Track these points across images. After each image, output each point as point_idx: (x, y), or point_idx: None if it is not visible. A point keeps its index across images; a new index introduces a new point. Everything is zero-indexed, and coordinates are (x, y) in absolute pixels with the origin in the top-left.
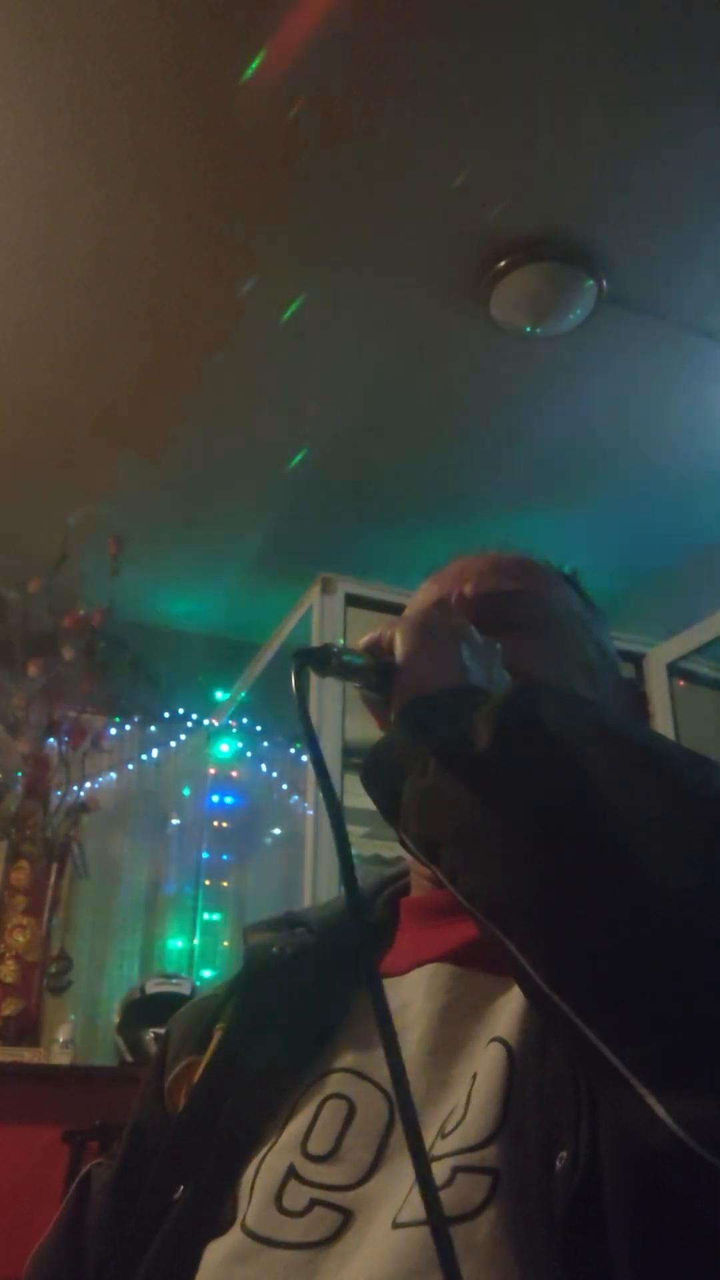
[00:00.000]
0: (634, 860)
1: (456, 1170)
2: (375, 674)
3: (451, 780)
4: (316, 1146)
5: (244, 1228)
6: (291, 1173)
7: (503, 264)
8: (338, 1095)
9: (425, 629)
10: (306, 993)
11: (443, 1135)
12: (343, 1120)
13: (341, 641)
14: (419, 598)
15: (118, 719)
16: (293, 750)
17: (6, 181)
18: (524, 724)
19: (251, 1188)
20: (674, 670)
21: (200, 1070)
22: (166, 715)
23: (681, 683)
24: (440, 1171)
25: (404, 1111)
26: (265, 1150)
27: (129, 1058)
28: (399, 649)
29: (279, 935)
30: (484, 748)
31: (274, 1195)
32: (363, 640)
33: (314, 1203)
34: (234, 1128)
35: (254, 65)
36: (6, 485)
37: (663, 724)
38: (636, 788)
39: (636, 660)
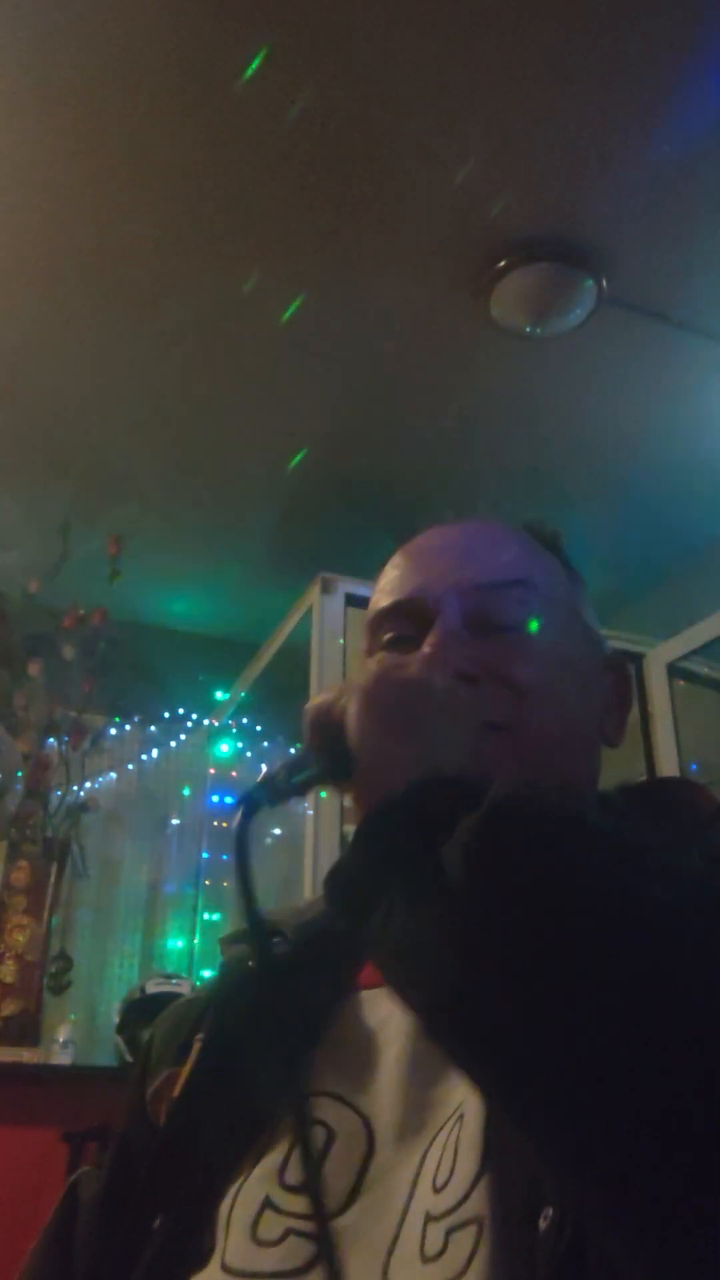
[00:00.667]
0: (658, 1020)
1: (450, 1232)
2: (329, 766)
3: (420, 929)
4: (293, 1177)
5: (224, 1265)
6: (267, 1203)
7: (503, 264)
8: (316, 1122)
9: (381, 706)
10: (285, 1008)
11: (435, 1189)
12: (321, 1148)
13: (295, 749)
14: (388, 578)
15: (118, 719)
16: (293, 750)
17: (6, 181)
18: (505, 855)
19: (228, 1220)
20: (674, 670)
21: (179, 1087)
22: (166, 715)
23: (681, 683)
24: (435, 1237)
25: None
26: (242, 1179)
27: (129, 1058)
28: (351, 731)
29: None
30: (457, 888)
31: (250, 1227)
32: (309, 710)
33: (289, 1231)
34: (212, 1155)
35: (254, 65)
36: (6, 485)
37: (663, 724)
38: (646, 929)
39: (636, 660)
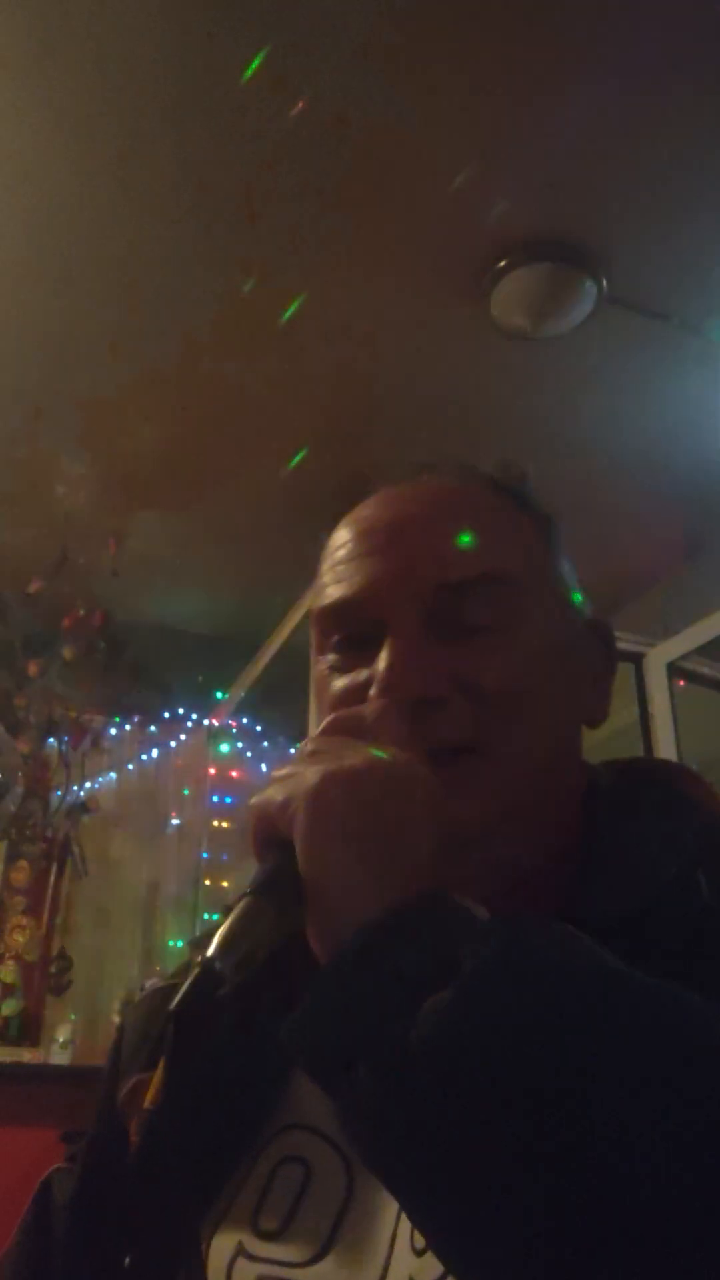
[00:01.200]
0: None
1: None
2: (286, 903)
3: (384, 1105)
4: (267, 1221)
5: None
6: (240, 1250)
7: (503, 264)
8: (292, 1158)
9: (331, 818)
10: (256, 1029)
11: (416, 1252)
12: (297, 1189)
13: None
14: (335, 561)
15: (118, 719)
16: (293, 750)
17: (7, 181)
18: (476, 1049)
19: (202, 1269)
20: (674, 670)
21: (148, 1101)
22: (166, 715)
23: (681, 683)
24: None
25: None
26: (215, 1224)
27: None
28: (299, 850)
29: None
30: (424, 1070)
31: (224, 1277)
32: (251, 819)
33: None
34: (182, 1191)
35: (254, 66)
36: (6, 485)
37: (663, 724)
38: (640, 1104)
39: (636, 660)
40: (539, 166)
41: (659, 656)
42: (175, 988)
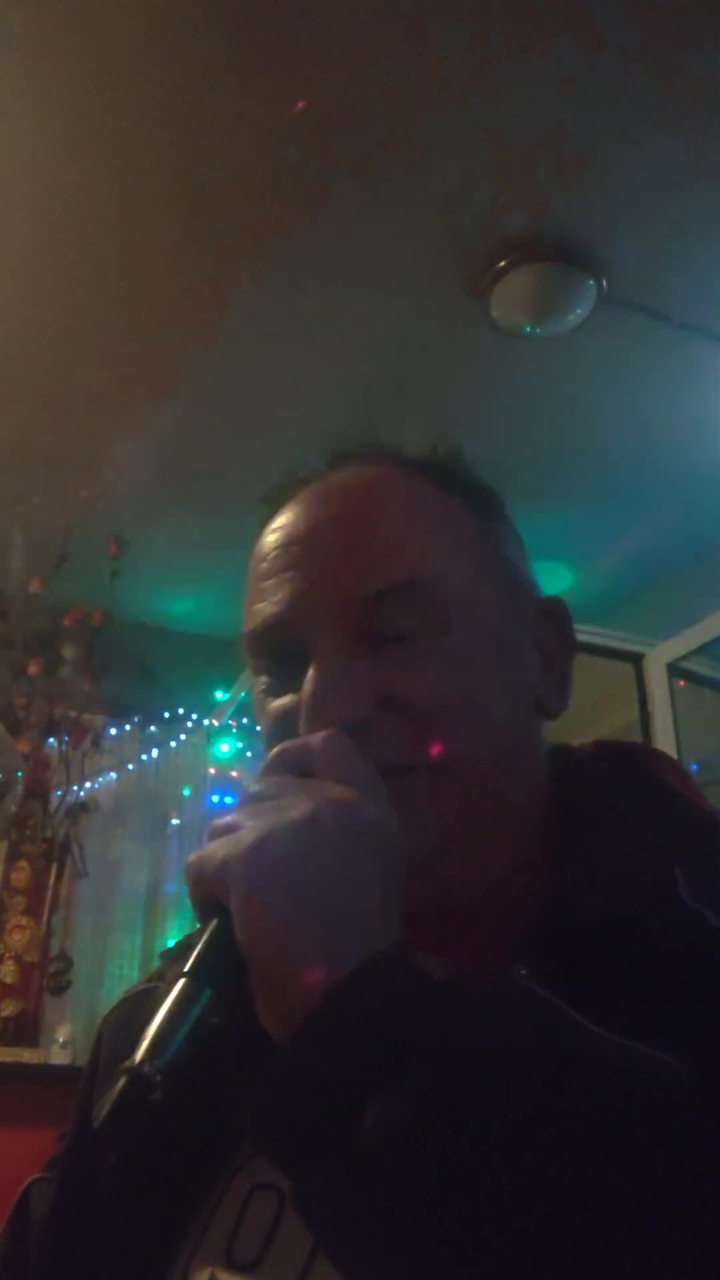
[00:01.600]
0: None
1: None
2: (216, 970)
3: (340, 1201)
4: (242, 1253)
5: None
6: None
7: (503, 264)
8: (266, 1185)
9: (268, 884)
10: (228, 1052)
11: None
12: (272, 1218)
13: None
14: (255, 576)
15: (118, 719)
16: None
17: (7, 181)
18: (431, 1144)
19: None
20: (674, 670)
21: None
22: (166, 715)
23: (681, 683)
24: None
25: None
26: (187, 1255)
27: None
28: (236, 921)
29: None
30: (378, 1167)
31: None
32: (187, 881)
33: None
34: (156, 1219)
35: (253, 66)
36: (6, 484)
37: (663, 724)
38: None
39: (636, 660)
40: (539, 166)
41: (659, 656)
42: (150, 992)
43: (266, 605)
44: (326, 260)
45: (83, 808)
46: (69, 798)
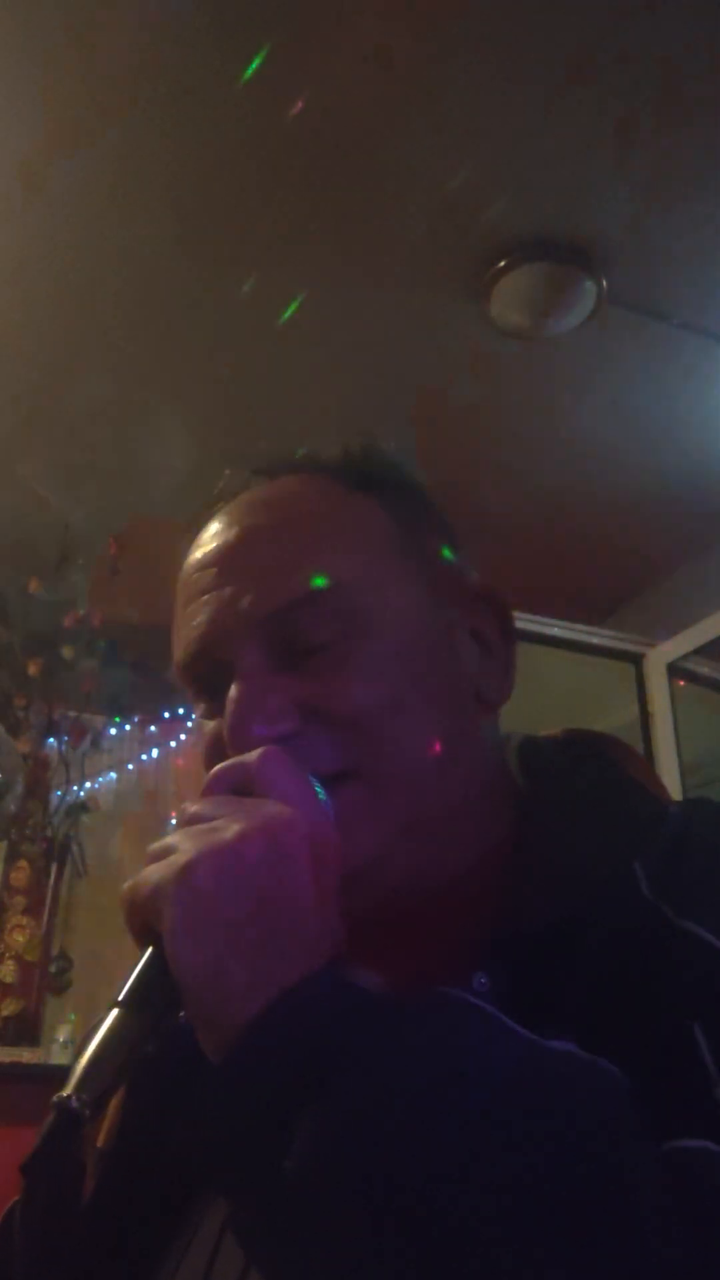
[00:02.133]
0: None
1: None
2: (150, 1000)
3: (264, 1228)
4: None
5: None
6: None
7: (503, 264)
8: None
9: (199, 911)
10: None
11: None
12: (243, 1261)
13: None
14: (178, 606)
15: (118, 719)
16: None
17: (8, 182)
18: (350, 1175)
19: None
20: (674, 670)
21: (100, 1142)
22: (166, 715)
23: (681, 683)
24: None
25: None
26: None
27: None
28: (167, 949)
29: None
30: (297, 1190)
31: None
32: (123, 907)
33: None
34: (134, 1244)
35: (253, 66)
36: (6, 485)
37: (663, 724)
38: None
39: (636, 660)
40: (539, 166)
41: (659, 656)
42: None
43: (187, 632)
44: (326, 261)
45: (83, 808)
46: (69, 798)
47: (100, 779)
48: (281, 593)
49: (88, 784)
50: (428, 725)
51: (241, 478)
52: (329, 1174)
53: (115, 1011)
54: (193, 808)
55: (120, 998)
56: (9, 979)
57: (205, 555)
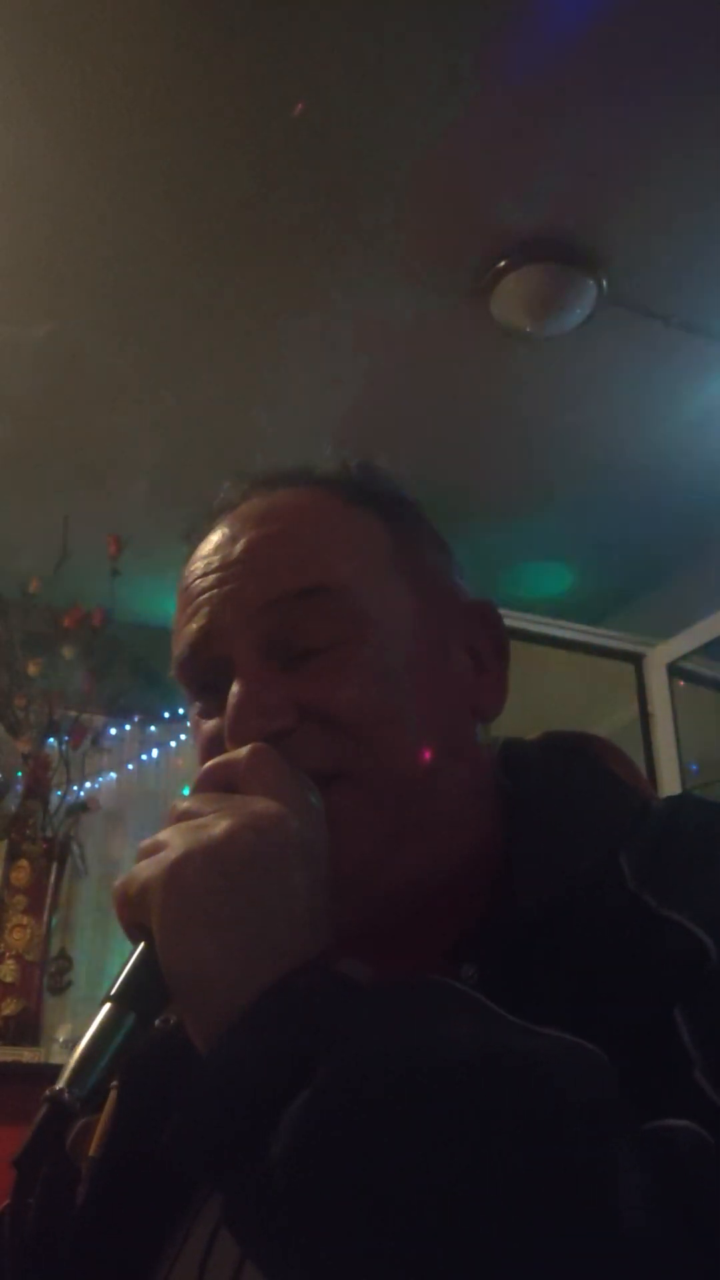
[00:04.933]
0: None
1: None
2: (142, 995)
3: (247, 1225)
4: None
5: None
6: None
7: (503, 264)
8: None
9: (188, 906)
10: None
11: None
12: (238, 1256)
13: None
14: (178, 607)
15: (118, 719)
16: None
17: (6, 184)
18: (332, 1170)
19: None
20: (674, 670)
21: (93, 1149)
22: (166, 715)
23: (681, 683)
24: None
25: None
26: (163, 1275)
27: None
28: (157, 944)
29: None
30: (284, 1178)
31: None
32: (115, 904)
33: None
34: (128, 1245)
35: (252, 66)
36: (6, 485)
37: (663, 724)
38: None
39: (636, 660)
40: (539, 166)
41: (659, 656)
42: None
43: (186, 632)
44: (326, 261)
45: (83, 808)
46: (69, 798)
47: (100, 779)
48: (280, 585)
49: (88, 784)
50: (421, 733)
51: (241, 489)
52: (315, 1160)
53: (107, 1007)
54: (183, 804)
55: (112, 993)
56: (9, 979)
57: (206, 565)
